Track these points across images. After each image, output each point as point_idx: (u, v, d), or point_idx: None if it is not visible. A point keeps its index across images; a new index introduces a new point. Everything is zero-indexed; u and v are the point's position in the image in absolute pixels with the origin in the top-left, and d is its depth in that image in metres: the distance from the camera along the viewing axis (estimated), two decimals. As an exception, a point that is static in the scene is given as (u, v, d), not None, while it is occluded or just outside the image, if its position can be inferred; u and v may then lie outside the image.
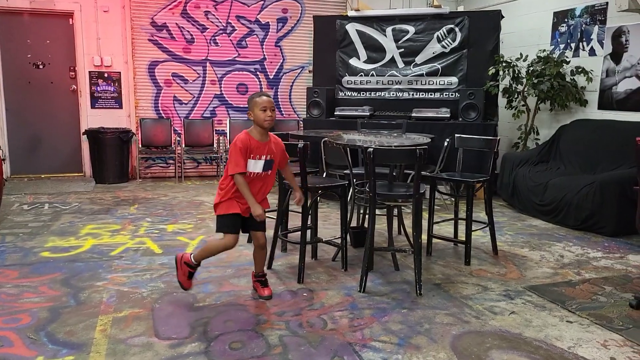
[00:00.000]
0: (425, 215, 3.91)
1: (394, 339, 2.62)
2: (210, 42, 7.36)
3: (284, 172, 3.21)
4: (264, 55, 7.59)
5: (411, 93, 6.64)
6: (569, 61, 5.90)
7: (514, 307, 3.05)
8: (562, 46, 6.17)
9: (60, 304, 2.95)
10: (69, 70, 7.08)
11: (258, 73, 7.61)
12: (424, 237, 4.04)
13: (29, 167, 7.09)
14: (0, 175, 4.66)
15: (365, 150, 3.13)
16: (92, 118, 7.08)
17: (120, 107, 7.18)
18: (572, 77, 5.88)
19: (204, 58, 7.37)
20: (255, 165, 2.93)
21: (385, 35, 6.65)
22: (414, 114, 6.28)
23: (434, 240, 4.08)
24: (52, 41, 6.99)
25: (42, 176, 7.11)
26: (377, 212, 3.45)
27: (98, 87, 7.10)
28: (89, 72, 7.03)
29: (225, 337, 2.59)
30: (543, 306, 3.08)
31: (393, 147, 3.26)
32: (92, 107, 7.10)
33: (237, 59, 7.49)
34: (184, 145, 7.22)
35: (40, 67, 7.00)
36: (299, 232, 3.51)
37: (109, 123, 7.05)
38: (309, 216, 3.59)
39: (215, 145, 7.33)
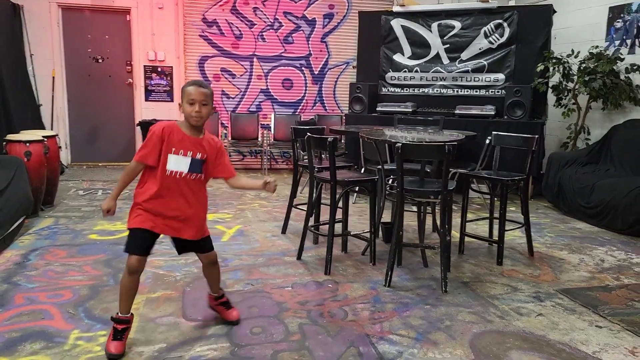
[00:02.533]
0: (459, 214, 3.88)
1: (412, 333, 2.64)
2: (257, 38, 7.53)
3: (235, 182, 2.54)
4: (310, 50, 7.68)
5: (455, 89, 6.54)
6: (624, 58, 5.63)
7: (541, 309, 2.99)
8: (617, 42, 5.89)
9: (101, 283, 3.15)
10: (126, 64, 7.45)
11: (303, 68, 7.71)
12: (457, 235, 4.01)
13: (88, 155, 7.52)
14: (56, 161, 4.99)
15: (394, 145, 3.15)
16: (145, 110, 7.42)
17: (172, 100, 7.48)
18: (626, 75, 5.61)
19: (251, 53, 7.55)
20: (178, 163, 2.33)
21: (431, 31, 6.58)
22: (457, 111, 6.19)
23: (468, 239, 4.04)
24: (110, 36, 7.37)
25: (100, 164, 7.52)
26: (410, 208, 3.45)
27: (152, 81, 7.43)
28: (144, 66, 7.36)
29: (247, 322, 2.70)
30: (573, 310, 3.00)
31: (422, 143, 3.25)
32: (146, 99, 7.44)
33: (283, 54, 7.63)
34: (230, 138, 7.43)
35: (100, 61, 7.40)
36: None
37: (161, 115, 7.35)
38: (339, 209, 3.64)
39: (260, 139, 7.50)
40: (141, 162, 2.34)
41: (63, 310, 2.76)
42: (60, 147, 5.18)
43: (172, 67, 7.41)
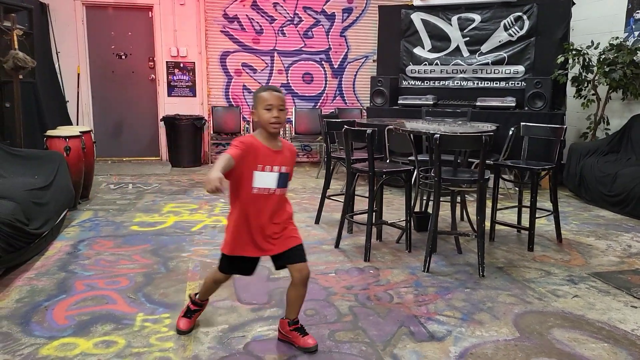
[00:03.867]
0: (488, 202, 4.00)
1: (457, 314, 2.77)
2: (278, 33, 7.65)
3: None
4: (329, 45, 7.79)
5: (476, 82, 6.64)
6: (644, 48, 5.71)
7: (577, 292, 3.12)
8: (636, 33, 5.97)
9: (153, 271, 3.30)
10: (148, 60, 7.58)
11: (323, 62, 7.82)
12: (487, 223, 4.13)
13: (112, 151, 7.68)
14: (91, 156, 5.15)
15: (432, 136, 3.27)
16: (168, 106, 7.55)
17: (194, 95, 7.62)
18: (647, 65, 5.69)
19: (271, 48, 7.67)
20: (266, 180, 2.19)
21: (451, 24, 6.68)
22: (478, 103, 6.30)
23: (497, 227, 4.16)
24: (133, 33, 7.51)
25: (124, 159, 7.68)
26: (441, 198, 3.57)
27: (174, 77, 7.57)
28: (166, 62, 7.50)
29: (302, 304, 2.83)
30: (607, 292, 3.13)
31: (459, 134, 3.37)
32: (169, 95, 7.58)
33: (303, 49, 7.74)
34: (251, 132, 7.55)
35: (123, 57, 7.54)
36: (364, 215, 3.71)
37: (184, 110, 7.50)
38: (375, 200, 3.77)
39: (281, 133, 7.61)
40: (233, 158, 2.09)
41: (124, 295, 2.91)
42: (95, 142, 5.32)
43: (194, 62, 7.54)
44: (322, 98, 7.93)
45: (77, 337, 2.42)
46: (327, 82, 7.90)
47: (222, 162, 2.04)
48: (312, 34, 7.72)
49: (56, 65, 7.10)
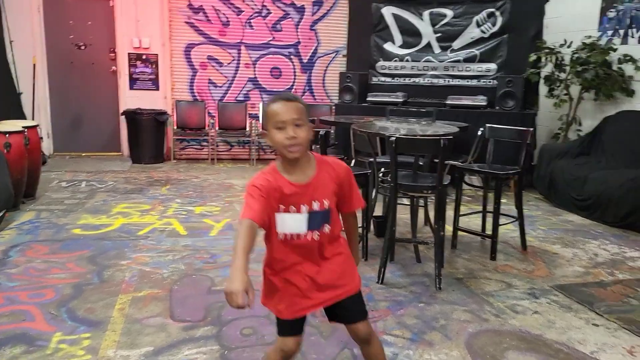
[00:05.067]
0: (451, 207, 3.82)
1: (407, 333, 2.57)
2: (245, 25, 7.36)
3: (347, 221, 1.91)
4: (299, 39, 7.53)
5: (447, 79, 6.46)
6: (617, 49, 5.58)
7: (537, 307, 2.94)
8: (609, 33, 5.83)
9: (84, 281, 3.04)
10: (109, 51, 7.23)
11: (292, 57, 7.57)
12: (450, 229, 3.95)
13: (71, 145, 7.33)
14: (37, 152, 4.83)
15: (388, 139, 3.06)
16: (130, 99, 7.22)
17: (157, 88, 7.30)
18: (619, 66, 5.56)
19: (238, 41, 7.38)
20: (294, 223, 1.70)
21: (422, 19, 6.48)
22: (448, 102, 6.12)
23: (461, 233, 3.98)
24: (93, 22, 7.15)
25: (83, 154, 7.34)
26: (404, 201, 3.39)
27: (136, 69, 7.24)
28: (128, 53, 7.16)
29: (238, 322, 2.61)
30: (569, 307, 2.96)
31: (417, 137, 3.17)
32: (131, 88, 7.25)
33: (271, 42, 7.47)
34: (217, 128, 7.29)
35: (82, 48, 7.18)
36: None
37: (146, 104, 7.18)
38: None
39: (248, 129, 7.36)
40: (254, 220, 1.57)
41: (45, 311, 2.65)
42: (41, 137, 5.00)
43: (157, 54, 7.22)
44: (292, 93, 7.67)
45: (-22, 363, 2.16)
46: (296, 77, 7.64)
47: (242, 245, 1.48)
48: (281, 27, 7.45)
49: (9, 56, 6.72)
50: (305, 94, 7.70)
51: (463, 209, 4.05)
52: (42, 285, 2.97)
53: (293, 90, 7.65)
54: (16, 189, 4.38)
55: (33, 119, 6.91)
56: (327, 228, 1.74)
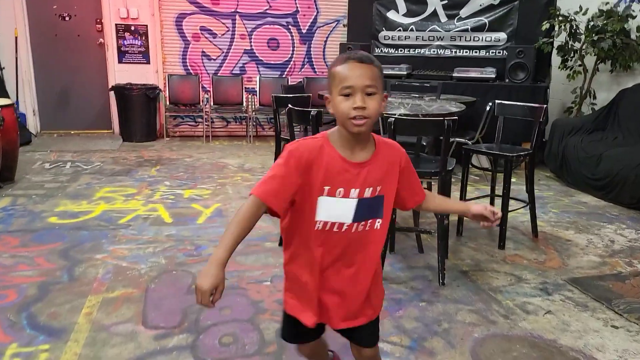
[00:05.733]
0: (457, 189, 3.51)
1: (406, 340, 2.30)
2: (239, -7, 6.94)
3: (427, 205, 1.61)
4: (297, 7, 7.10)
5: (454, 50, 6.06)
6: (636, 16, 5.16)
7: (550, 305, 2.66)
8: (629, -2, 5.40)
9: (53, 279, 2.77)
10: (95, 22, 6.85)
11: (290, 27, 7.15)
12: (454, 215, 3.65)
13: (59, 123, 7.02)
14: (14, 133, 4.53)
15: (386, 120, 2.74)
16: (119, 73, 6.88)
17: (148, 62, 6.94)
18: (638, 34, 5.15)
19: (233, 10, 6.97)
20: (335, 209, 1.39)
21: (428, -15, 6.03)
22: (455, 74, 5.73)
23: (467, 219, 3.67)
24: (78, -9, 6.75)
25: (72, 132, 7.04)
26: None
27: (125, 41, 6.86)
28: (116, 24, 6.78)
29: (217, 328, 2.34)
30: (585, 305, 2.68)
31: (417, 118, 2.83)
32: (120, 61, 6.90)
33: (268, 11, 7.05)
34: (212, 104, 6.95)
35: (67, 19, 6.80)
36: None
37: (137, 79, 6.84)
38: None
39: (244, 104, 7.02)
40: (265, 202, 1.32)
41: (3, 316, 2.39)
42: (18, 117, 4.69)
43: (146, 25, 6.83)
44: (290, 66, 7.29)
45: None
46: (295, 48, 7.24)
47: (234, 231, 1.29)
48: (277, -5, 7.03)
49: (-11, 28, 6.37)
50: (305, 66, 7.31)
51: (470, 192, 3.75)
52: (5, 285, 2.70)
53: (292, 62, 7.26)
54: (-9, 173, 4.11)
55: (17, 95, 6.60)
56: (378, 223, 1.44)
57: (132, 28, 6.81)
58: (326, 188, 1.37)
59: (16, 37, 6.54)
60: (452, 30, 6.02)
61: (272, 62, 7.21)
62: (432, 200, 1.61)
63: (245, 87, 7.07)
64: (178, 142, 6.85)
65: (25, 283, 2.72)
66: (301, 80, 7.07)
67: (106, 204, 4.12)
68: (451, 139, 3.82)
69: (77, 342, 2.19)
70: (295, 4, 7.10)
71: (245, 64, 7.17)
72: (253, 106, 7.06)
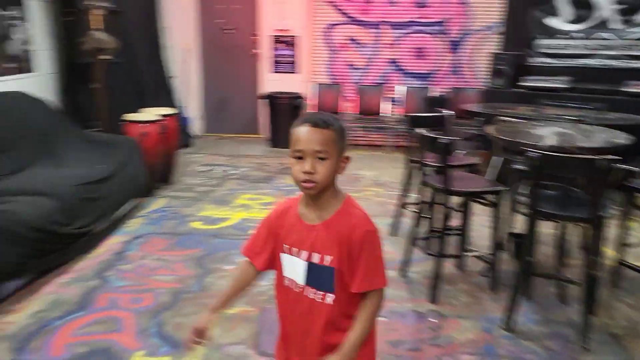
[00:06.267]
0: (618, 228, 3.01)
1: (530, 413, 2.02)
2: (388, 2, 6.84)
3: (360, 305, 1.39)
4: (447, 15, 6.78)
5: (626, 61, 5.26)
6: None
7: None
8: None
9: (185, 287, 2.97)
10: (253, 34, 7.30)
11: (438, 35, 6.86)
12: (611, 253, 3.15)
13: (218, 127, 7.64)
14: (174, 140, 5.00)
15: (528, 154, 2.43)
16: (270, 82, 7.24)
17: (297, 71, 7.20)
18: None
19: (380, 20, 6.90)
20: (291, 266, 1.42)
21: (599, -13, 5.32)
22: (627, 88, 4.97)
23: (628, 270, 3.14)
24: (241, 6, 7.24)
25: (227, 136, 7.60)
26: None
27: (277, 52, 7.20)
28: (270, 36, 7.14)
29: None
30: None
31: (567, 155, 2.46)
32: (272, 71, 7.26)
33: (415, 19, 6.84)
34: (354, 112, 6.97)
35: (229, 31, 7.35)
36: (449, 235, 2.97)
37: (286, 87, 7.13)
38: (449, 218, 3.02)
39: (385, 114, 6.91)
40: (244, 255, 1.51)
41: (138, 321, 2.61)
42: (180, 123, 5.15)
43: (298, 36, 7.08)
44: (435, 76, 7.00)
45: (59, 379, 2.16)
46: (442, 57, 6.93)
47: (230, 284, 1.52)
48: (427, 3, 6.77)
49: (164, 41, 7.13)
50: (452, 76, 6.97)
51: (636, 235, 3.19)
52: (145, 288, 2.97)
53: (438, 72, 6.97)
54: (150, 176, 4.57)
55: (184, 102, 7.32)
56: (329, 298, 1.37)
57: (285, 39, 7.11)
58: (285, 246, 1.42)
59: (186, 49, 7.24)
60: (626, 37, 5.23)
61: (417, 71, 6.99)
62: (364, 305, 1.38)
63: (386, 97, 6.96)
64: (319, 150, 6.99)
65: (161, 288, 2.96)
66: (446, 91, 6.75)
67: (244, 211, 4.34)
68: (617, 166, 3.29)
69: (196, 358, 2.30)
70: (445, 11, 6.78)
71: (389, 73, 7.06)
72: (394, 116, 6.92)
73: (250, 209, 4.40)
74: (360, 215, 1.39)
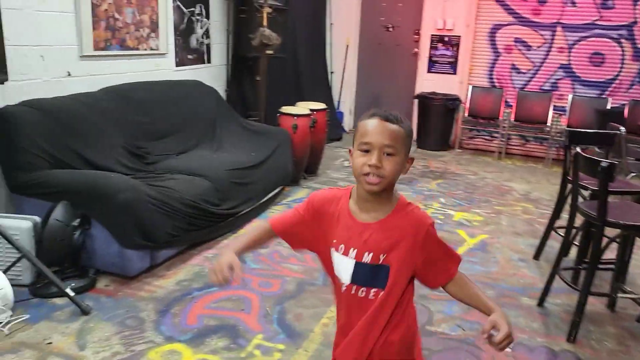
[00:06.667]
0: None
1: None
2: (566, 2, 6.23)
3: (455, 293, 1.38)
4: (636, 18, 5.97)
5: None
6: None
7: None
8: None
9: (309, 279, 3.08)
10: (414, 33, 7.22)
11: (622, 40, 6.07)
12: None
13: (367, 123, 7.73)
14: (322, 134, 5.19)
15: None
16: (426, 82, 7.11)
17: (454, 72, 6.96)
18: None
19: (554, 21, 6.33)
20: (340, 265, 1.37)
21: None
22: None
23: None
24: (403, 4, 7.21)
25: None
26: None
27: (436, 51, 7.03)
28: (431, 35, 7.00)
29: (434, 383, 2.21)
30: None
31: None
32: (428, 71, 7.12)
33: (597, 22, 6.14)
34: (513, 119, 6.52)
35: (390, 29, 7.36)
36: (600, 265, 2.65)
37: (441, 88, 6.95)
38: (599, 252, 2.67)
39: (549, 124, 6.35)
40: (268, 222, 1.50)
41: (263, 304, 2.78)
42: (328, 119, 5.32)
43: (459, 36, 6.83)
44: (614, 85, 6.22)
45: (189, 346, 2.38)
46: (624, 65, 6.12)
47: (248, 236, 1.48)
48: (613, 4, 6.02)
49: (327, 37, 7.40)
50: (634, 86, 6.14)
51: None
52: (275, 274, 3.14)
53: (617, 81, 6.19)
54: (297, 167, 4.81)
55: (340, 96, 7.54)
56: (374, 293, 1.34)
57: (446, 39, 6.91)
58: (334, 241, 1.37)
59: (347, 46, 7.43)
60: None
61: (592, 79, 6.28)
62: (460, 289, 1.37)
63: (553, 105, 6.38)
64: (468, 155, 6.70)
65: (288, 277, 3.11)
66: (625, 103, 5.96)
67: (380, 212, 4.33)
68: None
69: (307, 351, 2.39)
70: (634, 13, 5.97)
71: (559, 79, 6.45)
72: (558, 126, 6.32)
73: (387, 210, 4.38)
74: (421, 213, 1.37)
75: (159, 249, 3.03)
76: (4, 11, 2.98)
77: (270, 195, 4.29)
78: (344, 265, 1.36)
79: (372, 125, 1.28)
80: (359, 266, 1.34)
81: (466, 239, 3.85)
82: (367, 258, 1.33)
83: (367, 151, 1.28)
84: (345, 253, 1.35)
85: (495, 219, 4.31)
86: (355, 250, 1.33)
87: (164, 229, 2.97)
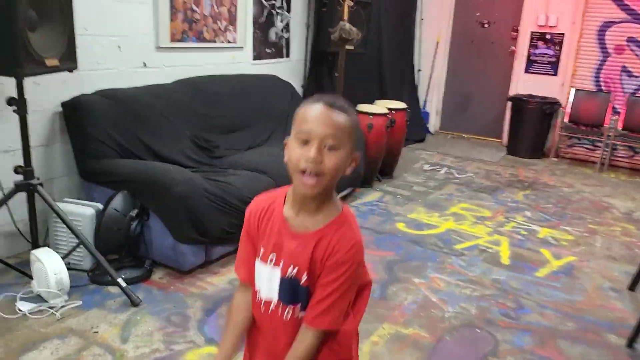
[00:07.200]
0: None
1: None
2: (695, -4, 5.44)
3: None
4: None
5: None
6: None
7: None
8: None
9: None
10: (512, 30, 6.69)
11: None
12: None
13: (454, 125, 7.32)
14: (400, 135, 4.93)
15: None
16: (522, 83, 6.56)
17: (555, 74, 6.35)
18: None
19: (679, 18, 5.55)
20: (261, 277, 1.20)
21: None
22: None
23: None
24: (501, -1, 6.73)
25: (464, 135, 7.23)
26: None
27: (536, 50, 6.46)
28: (531, 32, 6.44)
29: None
30: None
31: None
32: (526, 71, 6.56)
33: None
34: (620, 128, 5.82)
35: (485, 26, 6.89)
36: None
37: (539, 90, 6.37)
38: None
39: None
40: (239, 275, 1.28)
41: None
42: (408, 120, 5.05)
43: (563, 34, 6.21)
44: None
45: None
46: None
47: (230, 320, 1.28)
48: None
49: (417, 33, 7.08)
50: None
51: None
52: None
53: None
54: (370, 168, 4.61)
55: (426, 96, 7.20)
56: (296, 311, 1.17)
57: (547, 36, 6.32)
58: (262, 249, 1.19)
59: (437, 43, 7.06)
60: None
61: None
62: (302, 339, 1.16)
63: (672, 114, 5.60)
64: (565, 165, 6.08)
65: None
66: None
67: (455, 222, 4.03)
68: None
69: None
70: None
71: (681, 85, 5.66)
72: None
73: (461, 220, 4.06)
74: (350, 238, 1.13)
75: (213, 245, 2.98)
76: (84, 1, 3.07)
77: (339, 196, 4.12)
78: (272, 278, 1.18)
79: (313, 112, 1.09)
80: (284, 283, 1.17)
81: (550, 260, 3.44)
82: (292, 272, 1.16)
83: (306, 142, 1.08)
84: (274, 262, 1.18)
85: (587, 239, 3.83)
86: (282, 260, 1.17)
87: (219, 224, 2.91)
